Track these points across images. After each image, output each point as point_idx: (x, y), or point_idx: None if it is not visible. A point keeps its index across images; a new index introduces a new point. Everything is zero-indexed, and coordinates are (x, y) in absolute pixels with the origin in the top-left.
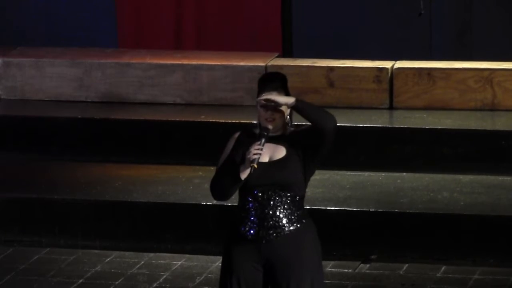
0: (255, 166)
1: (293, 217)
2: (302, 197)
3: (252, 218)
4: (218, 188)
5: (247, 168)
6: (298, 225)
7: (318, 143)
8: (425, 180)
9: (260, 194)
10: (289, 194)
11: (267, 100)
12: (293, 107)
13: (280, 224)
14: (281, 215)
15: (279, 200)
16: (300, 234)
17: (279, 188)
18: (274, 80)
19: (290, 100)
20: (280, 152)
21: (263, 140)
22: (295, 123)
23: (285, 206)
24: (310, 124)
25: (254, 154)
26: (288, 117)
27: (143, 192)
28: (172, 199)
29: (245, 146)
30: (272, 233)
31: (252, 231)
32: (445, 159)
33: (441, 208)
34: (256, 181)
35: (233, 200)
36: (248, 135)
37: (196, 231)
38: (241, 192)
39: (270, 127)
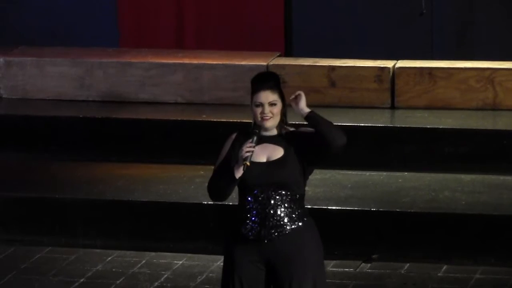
0: (248, 164)
1: (294, 216)
2: (302, 196)
3: (253, 218)
4: (215, 188)
5: (240, 166)
6: (300, 224)
7: (322, 154)
8: (427, 180)
9: (260, 193)
10: (289, 193)
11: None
12: (306, 117)
13: (282, 223)
14: (282, 214)
15: (279, 199)
16: (301, 233)
17: (278, 187)
18: (268, 79)
19: (306, 109)
20: (278, 152)
21: (254, 138)
22: (291, 123)
23: (286, 205)
24: (310, 128)
25: (246, 152)
26: (284, 116)
27: (144, 191)
28: (173, 199)
29: (241, 146)
30: (274, 232)
31: (253, 231)
32: (447, 158)
33: (442, 208)
34: (255, 181)
35: (234, 200)
36: (245, 135)
37: (197, 230)
38: (241, 192)
39: (268, 124)
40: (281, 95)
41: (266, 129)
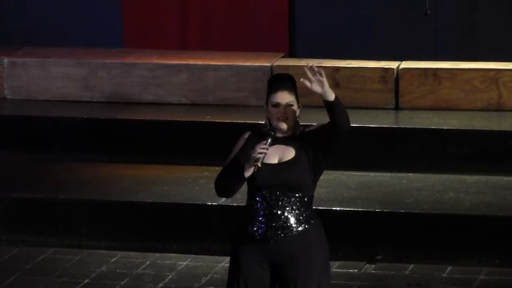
0: (259, 165)
1: (301, 218)
2: (310, 198)
3: (260, 218)
4: (222, 184)
5: (251, 166)
6: (307, 226)
7: (330, 141)
8: (431, 181)
9: (268, 194)
10: (297, 195)
11: (316, 71)
12: (330, 102)
13: (288, 224)
14: (290, 216)
15: (288, 200)
16: (308, 235)
17: (287, 188)
18: (285, 80)
19: (332, 94)
20: (290, 153)
21: (269, 140)
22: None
23: (294, 207)
24: (318, 124)
25: (259, 153)
26: (298, 118)
27: (149, 192)
28: (178, 199)
29: (253, 146)
30: (280, 234)
31: (260, 231)
32: (451, 159)
33: (446, 209)
34: (265, 182)
35: (239, 200)
36: (258, 135)
37: (201, 231)
38: (250, 192)
39: (284, 126)
40: (296, 98)
41: (281, 130)
